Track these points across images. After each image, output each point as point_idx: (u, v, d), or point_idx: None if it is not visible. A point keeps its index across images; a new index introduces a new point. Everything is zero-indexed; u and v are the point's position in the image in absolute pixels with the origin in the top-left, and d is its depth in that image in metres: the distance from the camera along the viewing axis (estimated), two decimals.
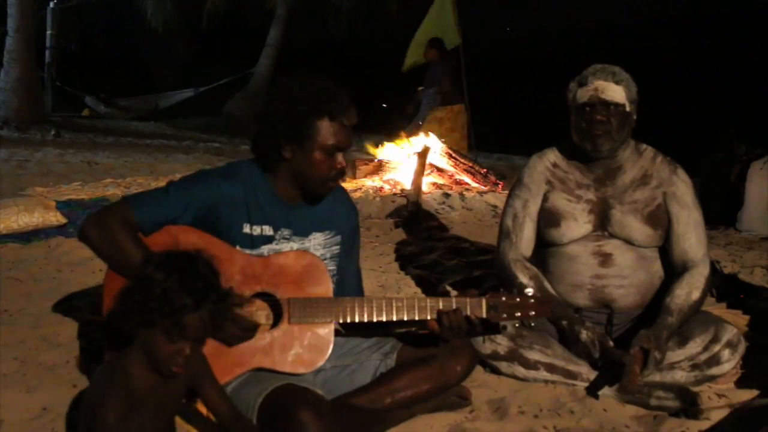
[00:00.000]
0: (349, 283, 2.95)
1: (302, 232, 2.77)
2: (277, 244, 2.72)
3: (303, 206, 2.79)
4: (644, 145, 3.56)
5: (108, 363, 2.32)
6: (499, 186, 8.70)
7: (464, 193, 8.12)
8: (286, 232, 2.74)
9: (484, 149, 12.46)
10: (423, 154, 8.18)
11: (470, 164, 8.96)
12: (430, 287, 4.77)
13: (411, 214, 6.90)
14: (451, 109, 10.43)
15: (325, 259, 2.79)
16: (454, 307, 2.71)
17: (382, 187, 8.27)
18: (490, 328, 2.96)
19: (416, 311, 2.71)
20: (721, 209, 7.74)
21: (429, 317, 2.72)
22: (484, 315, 2.73)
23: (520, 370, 3.30)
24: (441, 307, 2.71)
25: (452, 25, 10.88)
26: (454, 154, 8.86)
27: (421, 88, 10.73)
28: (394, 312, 2.70)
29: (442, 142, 9.05)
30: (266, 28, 20.17)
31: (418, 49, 11.13)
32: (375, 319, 2.69)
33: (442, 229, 6.70)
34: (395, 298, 2.73)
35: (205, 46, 21.88)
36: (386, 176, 8.60)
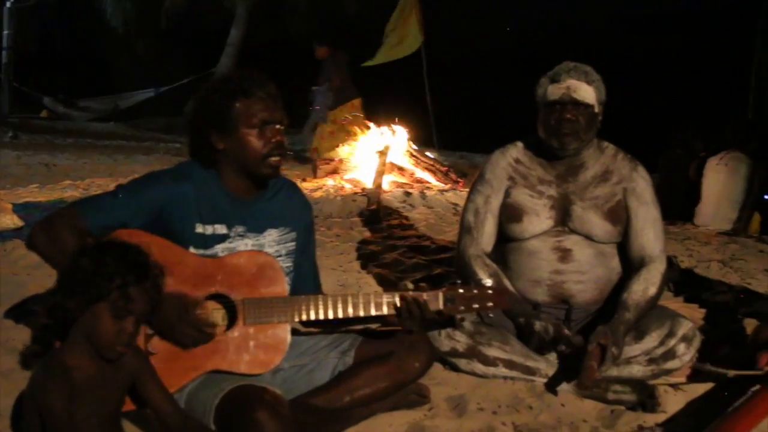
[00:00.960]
0: (306, 280, 2.93)
1: (257, 229, 2.75)
2: (231, 242, 2.69)
3: (257, 203, 2.76)
4: (606, 143, 3.59)
5: (48, 356, 2.30)
6: (460, 184, 8.73)
7: (425, 191, 8.15)
8: (240, 229, 2.71)
9: (447, 147, 12.51)
10: (384, 153, 8.19)
11: (431, 162, 8.99)
12: (390, 286, 4.76)
13: (372, 213, 6.90)
14: (352, 105, 10.24)
15: (280, 256, 2.77)
16: (410, 298, 2.70)
17: (342, 187, 8.28)
18: (448, 321, 2.97)
19: (373, 307, 2.70)
20: (679, 205, 7.82)
21: (386, 312, 2.71)
22: (441, 308, 2.72)
23: (479, 367, 3.30)
24: (398, 301, 2.71)
25: (415, 24, 10.90)
26: (415, 153, 8.88)
27: (315, 87, 10.56)
28: (351, 309, 2.69)
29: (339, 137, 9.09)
30: (227, 28, 20.08)
31: (390, 50, 11.09)
32: (331, 317, 2.68)
33: (403, 227, 6.70)
34: (351, 294, 2.72)
35: (165, 46, 21.72)
36: (347, 175, 8.60)
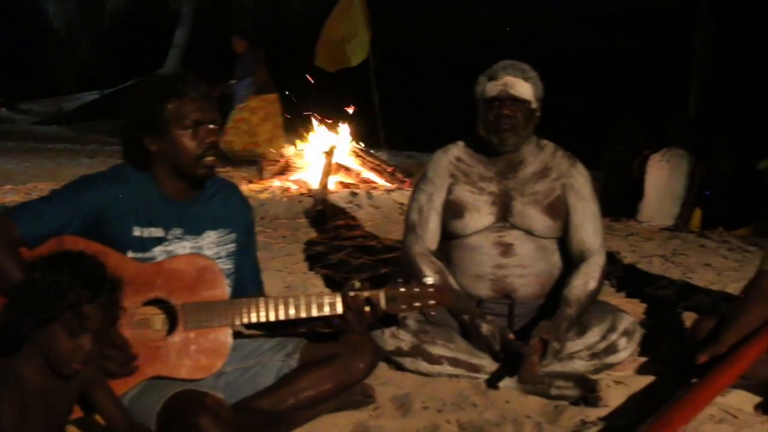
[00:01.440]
0: (247, 282, 2.90)
1: (195, 231, 2.71)
2: (169, 245, 2.65)
3: (194, 204, 2.73)
4: (545, 141, 3.65)
5: (0, 366, 2.25)
6: (406, 183, 8.73)
7: (372, 191, 8.16)
8: (177, 231, 2.68)
9: (395, 147, 12.52)
10: (330, 153, 8.18)
11: (377, 162, 9.00)
12: (336, 286, 4.75)
13: (318, 213, 6.89)
14: (265, 99, 10.33)
15: (220, 258, 2.74)
16: (352, 298, 2.70)
17: (289, 188, 8.25)
18: (392, 320, 2.98)
19: (315, 308, 2.69)
20: (622, 201, 7.94)
21: (329, 313, 2.70)
22: (384, 307, 2.72)
23: (424, 366, 3.31)
24: (339, 302, 2.70)
25: (362, 24, 10.86)
26: (361, 153, 8.88)
27: (233, 81, 10.53)
28: (293, 310, 2.68)
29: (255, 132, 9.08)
30: (173, 29, 19.87)
31: (332, 50, 11.05)
32: (273, 319, 2.66)
33: (350, 227, 6.70)
34: (293, 296, 2.71)
35: (110, 47, 21.43)
36: (293, 176, 8.57)
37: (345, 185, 8.33)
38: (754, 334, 3.19)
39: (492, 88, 3.45)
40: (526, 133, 3.49)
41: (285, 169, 8.69)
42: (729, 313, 3.35)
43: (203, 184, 2.75)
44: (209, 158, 2.66)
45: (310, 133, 9.21)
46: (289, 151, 9.15)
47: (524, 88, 3.44)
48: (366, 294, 2.71)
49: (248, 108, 10.20)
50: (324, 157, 8.16)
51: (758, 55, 20.91)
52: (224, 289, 2.66)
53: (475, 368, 3.31)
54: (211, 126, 2.66)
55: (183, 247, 2.68)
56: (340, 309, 2.70)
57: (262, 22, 20.04)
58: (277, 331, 2.90)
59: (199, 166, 2.65)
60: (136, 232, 2.62)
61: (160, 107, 2.61)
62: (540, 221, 3.48)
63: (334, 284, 4.82)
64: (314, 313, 2.70)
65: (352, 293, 2.70)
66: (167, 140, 2.62)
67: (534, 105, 3.48)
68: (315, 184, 7.95)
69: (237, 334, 2.85)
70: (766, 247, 3.49)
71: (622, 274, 5.25)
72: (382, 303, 2.72)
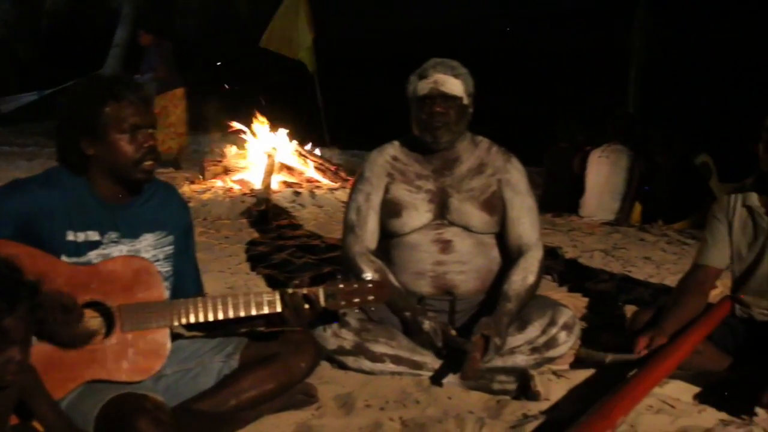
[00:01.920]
0: (187, 283, 2.86)
1: (131, 234, 2.67)
2: (105, 248, 2.61)
3: (130, 208, 2.69)
4: (480, 137, 3.69)
5: None
6: (349, 182, 8.72)
7: (315, 190, 8.15)
8: (113, 235, 2.63)
9: (339, 146, 12.50)
10: (272, 153, 8.14)
11: (320, 161, 8.98)
12: (279, 286, 4.70)
13: (261, 213, 6.85)
14: (174, 94, 10.10)
15: (158, 260, 2.71)
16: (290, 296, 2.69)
17: (231, 188, 8.19)
18: (332, 318, 2.97)
19: (253, 307, 2.67)
20: (564, 197, 8.03)
21: (267, 311, 2.69)
22: (323, 304, 2.71)
23: (367, 364, 3.32)
24: (278, 300, 2.69)
25: (304, 23, 10.84)
26: (303, 152, 8.85)
27: (137, 76, 9.94)
28: (231, 310, 2.65)
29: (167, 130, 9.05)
30: (113, 28, 19.58)
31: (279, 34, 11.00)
32: (212, 319, 2.63)
33: (293, 227, 6.67)
34: (231, 295, 2.69)
35: (49, 47, 21.04)
36: (235, 176, 8.51)
37: (288, 185, 8.29)
38: (690, 325, 3.26)
39: (423, 87, 3.46)
40: (459, 130, 3.52)
41: (228, 170, 8.61)
42: (666, 305, 3.42)
43: (141, 188, 2.72)
44: (148, 163, 2.63)
45: (252, 133, 9.13)
46: (231, 151, 9.06)
47: (455, 85, 3.46)
48: (304, 291, 2.70)
49: (159, 107, 9.77)
50: (267, 157, 8.11)
51: (695, 52, 21.34)
52: (161, 290, 2.62)
53: (417, 365, 3.32)
54: (150, 130, 2.63)
55: (119, 250, 2.64)
56: (279, 307, 2.69)
57: (207, 22, 19.88)
58: (217, 332, 2.88)
59: (138, 170, 2.62)
60: (70, 236, 2.57)
61: (98, 110, 2.56)
62: (477, 217, 3.50)
63: (276, 284, 4.78)
64: (253, 312, 2.68)
65: (290, 291, 2.69)
66: (105, 144, 2.58)
67: (466, 101, 3.51)
68: (258, 184, 7.90)
69: (177, 336, 2.83)
70: (702, 240, 3.55)
71: (563, 269, 5.31)
72: (321, 300, 2.71)
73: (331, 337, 3.33)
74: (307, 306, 2.70)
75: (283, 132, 9.04)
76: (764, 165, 3.23)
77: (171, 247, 2.78)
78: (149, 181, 2.70)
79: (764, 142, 3.21)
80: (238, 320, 2.70)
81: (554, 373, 3.36)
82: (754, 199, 3.34)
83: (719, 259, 3.44)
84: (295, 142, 9.04)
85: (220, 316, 2.65)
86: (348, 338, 3.33)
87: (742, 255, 3.39)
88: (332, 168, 8.94)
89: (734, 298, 3.46)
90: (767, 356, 3.12)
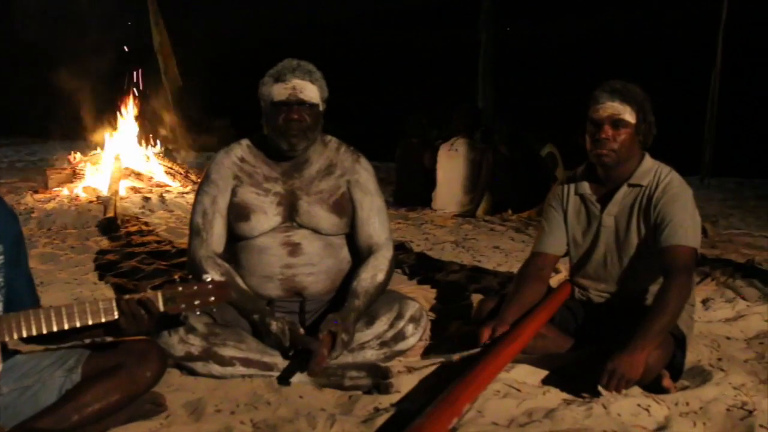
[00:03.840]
0: (21, 296, 2.75)
1: None
2: None
3: None
4: (329, 137, 3.66)
5: None
6: None
7: (164, 194, 8.00)
8: None
9: (195, 149, 12.31)
10: (118, 158, 7.94)
11: (169, 165, 8.82)
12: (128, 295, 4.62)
13: (108, 221, 6.66)
14: None
15: None
16: (127, 302, 2.62)
17: (77, 196, 7.93)
18: (175, 322, 2.90)
19: (89, 316, 2.58)
20: (417, 191, 8.17)
21: (105, 320, 2.60)
22: (162, 309, 2.65)
23: (216, 368, 3.26)
24: (115, 307, 2.61)
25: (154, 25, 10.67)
26: (152, 156, 8.68)
27: None
28: (66, 320, 2.55)
29: None
30: None
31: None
32: (46, 331, 2.52)
33: (143, 233, 6.53)
34: (66, 305, 2.58)
35: None
36: (82, 184, 8.24)
37: (136, 190, 8.10)
38: (532, 310, 3.36)
39: (280, 92, 3.41)
40: (314, 136, 3.49)
41: (73, 177, 8.33)
42: (508, 293, 3.52)
43: None
44: None
45: (100, 138, 8.89)
46: (76, 157, 8.77)
47: (312, 92, 3.43)
48: (140, 296, 2.63)
49: None
50: (113, 162, 7.90)
51: (542, 46, 22.09)
52: None
53: (267, 366, 3.30)
54: None
55: None
56: (116, 314, 2.61)
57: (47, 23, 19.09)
58: (58, 344, 2.77)
59: None
60: None
61: None
62: (326, 219, 3.50)
63: (125, 293, 4.65)
64: (90, 321, 2.58)
65: (126, 297, 2.61)
66: None
67: (321, 107, 3.49)
68: (105, 191, 7.68)
69: (14, 352, 2.71)
70: (539, 229, 3.67)
71: (414, 262, 5.39)
72: (160, 304, 2.65)
73: (178, 343, 3.25)
74: (144, 312, 2.64)
75: (131, 137, 8.83)
76: (591, 155, 3.37)
77: (1, 257, 2.66)
78: None
79: (589, 133, 3.34)
80: (77, 331, 2.60)
81: (405, 366, 3.40)
82: (585, 187, 3.48)
83: (556, 246, 3.56)
84: (144, 145, 8.86)
85: (55, 328, 2.54)
86: (196, 343, 3.26)
87: (577, 241, 3.53)
88: (182, 171, 8.79)
89: (573, 281, 3.60)
90: (605, 336, 3.25)
